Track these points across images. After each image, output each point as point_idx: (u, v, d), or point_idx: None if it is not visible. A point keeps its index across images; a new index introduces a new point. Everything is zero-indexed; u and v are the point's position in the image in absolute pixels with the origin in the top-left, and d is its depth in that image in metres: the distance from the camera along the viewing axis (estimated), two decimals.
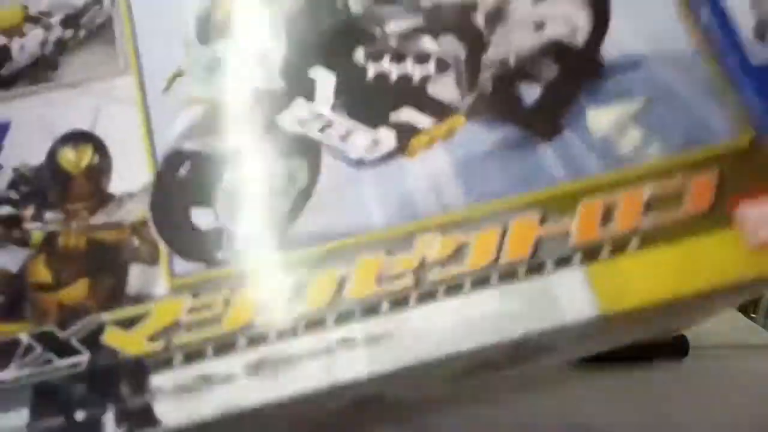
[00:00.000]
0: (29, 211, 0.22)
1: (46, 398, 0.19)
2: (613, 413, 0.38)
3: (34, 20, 0.24)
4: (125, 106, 0.23)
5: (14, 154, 0.22)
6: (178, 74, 0.23)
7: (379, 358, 0.20)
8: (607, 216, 0.21)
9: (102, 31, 0.24)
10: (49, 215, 0.22)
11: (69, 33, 0.24)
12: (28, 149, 0.23)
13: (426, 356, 0.20)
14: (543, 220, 0.21)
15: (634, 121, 0.22)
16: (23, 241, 0.21)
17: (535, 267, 0.20)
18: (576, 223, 0.21)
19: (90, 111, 0.23)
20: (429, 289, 0.20)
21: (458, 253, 0.21)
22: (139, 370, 0.20)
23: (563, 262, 0.20)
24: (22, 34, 0.24)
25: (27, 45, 0.24)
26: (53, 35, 0.24)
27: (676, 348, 0.44)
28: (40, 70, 0.24)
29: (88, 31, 0.24)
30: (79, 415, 0.19)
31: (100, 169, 0.22)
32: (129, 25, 0.24)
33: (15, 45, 0.24)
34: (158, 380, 0.20)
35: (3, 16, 0.24)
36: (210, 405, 0.19)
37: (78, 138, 0.23)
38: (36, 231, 0.21)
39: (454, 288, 0.20)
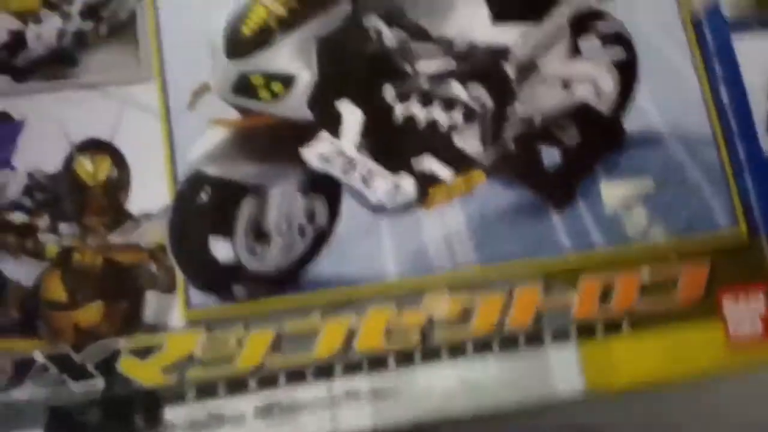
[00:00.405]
0: (44, 221, 0.21)
1: (61, 421, 0.20)
2: (608, 414, 0.39)
3: (52, 6, 0.22)
4: (148, 117, 0.22)
5: (29, 156, 0.21)
6: (205, 89, 0.22)
7: (382, 413, 0.21)
8: (605, 295, 0.22)
9: (125, 28, 0.22)
10: (64, 227, 0.21)
11: (89, 25, 0.22)
12: (44, 152, 0.21)
13: (426, 416, 0.21)
14: (546, 291, 0.22)
15: (643, 201, 0.23)
16: (37, 253, 0.21)
17: (534, 338, 0.22)
18: (577, 299, 0.22)
19: (111, 117, 0.22)
20: (434, 348, 0.21)
21: (464, 315, 0.22)
22: (152, 402, 0.20)
23: (561, 336, 0.22)
24: (38, 20, 0.22)
25: (44, 34, 0.22)
26: (72, 26, 0.22)
27: None
28: (58, 64, 0.22)
29: (110, 25, 0.23)
30: None
31: (119, 184, 0.22)
32: (154, 25, 0.23)
33: (31, 32, 0.22)
34: (171, 414, 0.20)
35: None
36: None
37: (97, 147, 0.22)
38: (51, 243, 0.21)
39: (457, 350, 0.21)
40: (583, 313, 0.22)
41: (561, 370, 0.21)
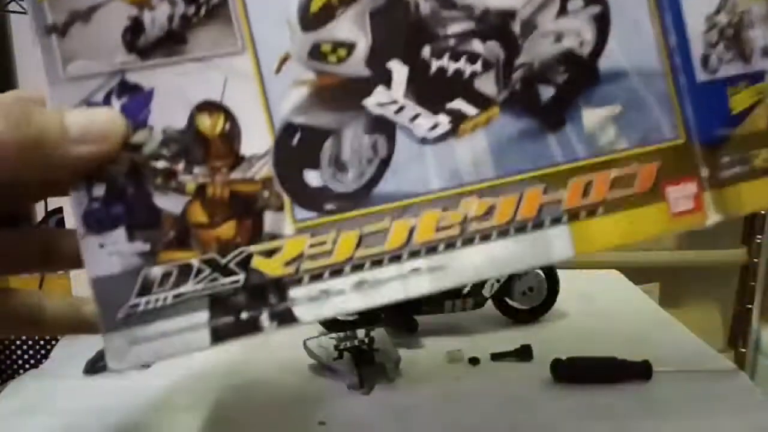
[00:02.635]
0: (180, 166, 0.26)
1: (218, 304, 0.26)
2: (586, 427, 0.40)
3: None
4: (246, 82, 0.27)
5: (160, 117, 0.26)
6: (286, 58, 0.27)
7: (437, 281, 0.28)
8: (586, 190, 0.29)
9: (219, 11, 0.26)
10: (197, 170, 0.26)
11: (191, 9, 0.26)
12: (171, 113, 0.26)
13: (466, 279, 0.28)
14: (545, 192, 0.29)
15: (612, 121, 0.29)
16: (180, 190, 0.26)
17: (537, 224, 0.28)
18: (566, 195, 0.29)
19: (218, 83, 0.26)
20: (469, 237, 0.28)
21: (489, 212, 0.28)
22: (279, 286, 0.27)
23: (556, 221, 0.29)
24: (151, 7, 0.26)
25: (157, 18, 0.26)
26: (179, 10, 0.26)
27: (641, 371, 0.46)
28: (172, 43, 0.26)
29: (207, 9, 0.26)
30: (244, 316, 0.26)
31: (232, 134, 0.27)
32: (242, 7, 0.27)
33: (146, 17, 0.26)
34: (294, 293, 0.27)
35: None
36: (329, 309, 0.27)
37: (211, 107, 0.26)
38: (189, 182, 0.26)
39: (485, 237, 0.28)
40: (571, 204, 0.29)
41: (557, 244, 0.28)
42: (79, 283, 0.62)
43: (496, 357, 0.53)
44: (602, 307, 0.62)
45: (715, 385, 0.46)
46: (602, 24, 0.28)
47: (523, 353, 0.53)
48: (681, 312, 0.63)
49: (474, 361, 0.53)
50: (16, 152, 0.22)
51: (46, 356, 0.59)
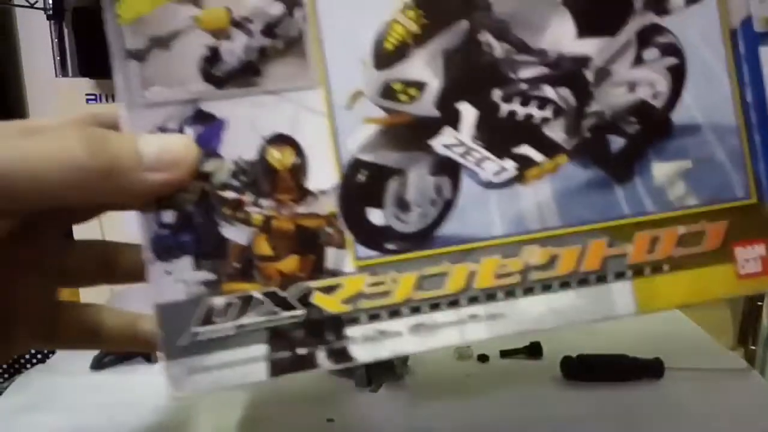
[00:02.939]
0: (249, 198, 0.26)
1: (277, 338, 0.26)
2: (596, 425, 0.39)
3: (238, 25, 0.26)
4: (317, 117, 0.27)
5: (231, 148, 0.26)
6: (357, 95, 0.27)
7: (495, 329, 0.27)
8: (652, 246, 0.28)
9: (295, 45, 0.26)
10: (264, 202, 0.26)
11: (268, 42, 0.26)
12: (242, 145, 0.26)
13: (525, 329, 0.27)
14: (610, 244, 0.28)
15: (682, 177, 0.29)
16: (247, 221, 0.26)
17: (601, 277, 0.28)
18: (632, 249, 0.28)
19: (289, 117, 0.26)
20: (530, 286, 0.28)
21: (551, 262, 0.28)
22: (337, 323, 0.27)
23: (620, 275, 0.28)
24: (229, 38, 0.26)
25: (234, 49, 0.26)
26: (256, 42, 0.26)
27: (653, 370, 0.45)
28: (247, 74, 0.26)
29: (284, 42, 0.26)
30: (301, 351, 0.26)
31: (300, 168, 0.26)
32: (318, 42, 0.27)
33: (224, 48, 0.26)
34: (350, 331, 0.27)
35: (210, 16, 0.26)
36: (385, 350, 0.27)
37: (282, 140, 0.26)
38: (256, 214, 0.26)
39: (546, 287, 0.28)
40: (636, 259, 0.28)
41: (620, 299, 0.28)
42: (86, 291, 0.61)
43: (505, 354, 0.52)
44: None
45: (728, 383, 0.45)
46: (678, 76, 0.27)
47: (533, 350, 0.52)
48: (690, 309, 0.62)
49: (483, 358, 0.52)
50: (92, 178, 0.22)
51: (52, 351, 0.60)
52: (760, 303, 0.51)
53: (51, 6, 0.98)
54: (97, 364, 0.55)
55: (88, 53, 0.93)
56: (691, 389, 0.44)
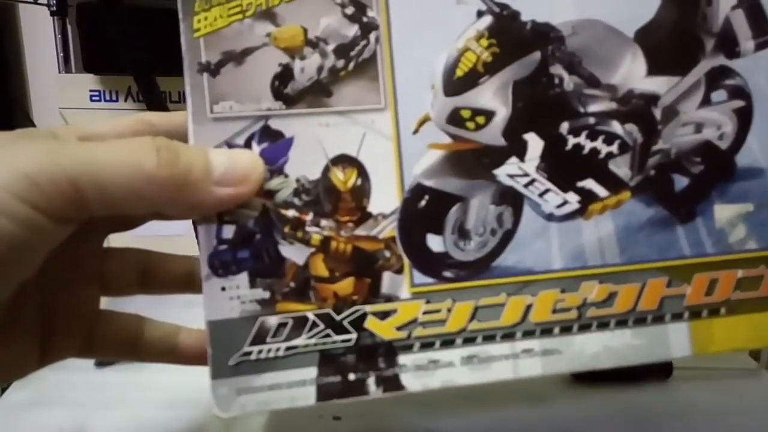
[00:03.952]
0: (309, 217, 0.25)
1: (328, 362, 0.25)
2: (606, 426, 0.38)
3: (313, 44, 0.25)
4: (383, 139, 0.26)
5: (296, 166, 0.25)
6: (425, 120, 0.26)
7: (549, 366, 0.26)
8: (710, 288, 0.27)
9: (367, 67, 0.25)
10: (324, 222, 0.26)
11: (341, 63, 0.25)
12: (307, 164, 0.25)
13: (579, 367, 0.26)
14: (669, 284, 0.27)
15: (744, 220, 0.28)
16: (306, 241, 0.25)
17: (658, 317, 0.27)
18: (690, 290, 0.27)
19: (356, 138, 0.26)
20: (587, 323, 0.27)
21: (609, 299, 0.27)
22: (390, 350, 0.26)
23: (677, 316, 0.27)
24: (302, 56, 0.25)
25: (307, 68, 0.25)
26: (329, 62, 0.25)
27: (662, 370, 0.43)
28: (318, 94, 0.25)
29: (356, 64, 0.25)
30: (351, 377, 0.25)
31: (363, 190, 0.26)
32: (390, 65, 0.26)
33: (297, 66, 0.25)
34: (403, 359, 0.26)
35: (286, 34, 0.25)
36: (437, 380, 0.26)
37: (346, 161, 0.25)
38: (315, 234, 0.25)
39: (603, 324, 0.27)
40: (694, 300, 0.27)
41: (676, 341, 0.27)
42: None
43: None
44: None
45: (738, 383, 0.43)
46: (744, 118, 0.26)
47: None
48: None
49: None
50: (161, 189, 0.21)
51: None
52: None
53: (55, 2, 0.97)
54: (102, 361, 0.54)
55: (92, 49, 0.90)
56: (701, 389, 0.42)
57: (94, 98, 0.92)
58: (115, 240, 0.30)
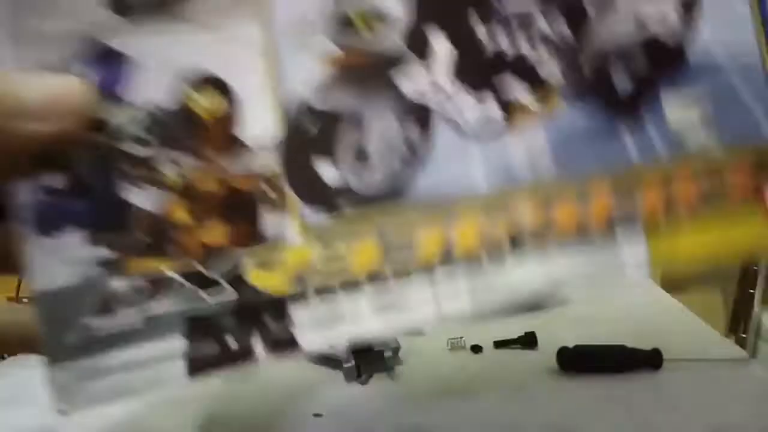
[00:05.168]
0: (165, 154, 0.20)
1: (200, 328, 0.19)
2: (595, 417, 0.37)
3: None
4: (254, 55, 0.21)
5: (143, 93, 0.20)
6: (307, 26, 0.21)
7: (480, 304, 0.21)
8: (668, 197, 0.22)
9: None
10: (183, 159, 0.20)
11: None
12: (157, 89, 0.20)
13: (518, 300, 0.21)
14: (617, 198, 0.22)
15: (702, 121, 0.23)
16: (159, 182, 0.20)
17: (608, 236, 0.21)
18: (642, 205, 0.22)
19: (219, 55, 0.20)
20: (522, 250, 0.21)
21: (546, 220, 0.21)
22: (280, 307, 0.20)
23: (631, 234, 0.21)
24: None
25: None
26: None
27: (652, 360, 0.43)
28: (167, 4, 0.21)
29: None
30: (232, 343, 0.19)
31: (231, 118, 0.20)
32: None
33: None
34: (297, 315, 0.20)
35: None
36: (341, 335, 0.20)
37: (208, 83, 0.20)
38: (172, 174, 0.20)
39: (541, 251, 0.21)
40: (649, 217, 0.22)
41: (630, 260, 0.21)
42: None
43: (499, 344, 0.49)
44: (607, 292, 0.57)
45: (727, 373, 0.43)
46: (691, 10, 0.22)
47: (528, 341, 0.48)
48: (682, 296, 0.60)
49: (476, 348, 0.49)
50: None
51: None
52: (751, 291, 0.47)
53: None
54: None
55: None
56: (690, 380, 0.41)
57: None
58: None
